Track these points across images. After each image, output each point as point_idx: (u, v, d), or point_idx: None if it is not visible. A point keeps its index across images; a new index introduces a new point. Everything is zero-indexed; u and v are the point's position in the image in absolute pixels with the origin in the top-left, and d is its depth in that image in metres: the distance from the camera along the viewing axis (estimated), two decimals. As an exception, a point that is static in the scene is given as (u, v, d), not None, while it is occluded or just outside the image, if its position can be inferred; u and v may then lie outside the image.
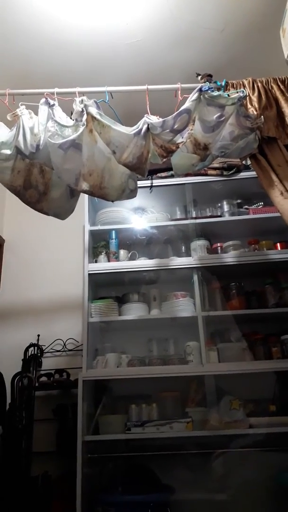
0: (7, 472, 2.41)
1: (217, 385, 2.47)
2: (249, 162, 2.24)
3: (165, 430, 2.28)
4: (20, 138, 1.71)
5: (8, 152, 1.75)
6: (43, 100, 1.78)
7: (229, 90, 1.91)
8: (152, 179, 2.57)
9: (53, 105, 1.77)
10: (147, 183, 2.51)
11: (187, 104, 1.72)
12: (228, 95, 1.77)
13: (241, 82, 1.96)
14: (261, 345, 2.52)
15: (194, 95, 1.73)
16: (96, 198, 1.98)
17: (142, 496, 2.18)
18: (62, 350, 2.88)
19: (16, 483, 2.39)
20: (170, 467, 2.35)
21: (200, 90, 1.73)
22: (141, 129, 1.71)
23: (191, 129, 1.74)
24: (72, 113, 1.78)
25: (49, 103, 1.76)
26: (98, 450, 2.34)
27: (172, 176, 2.74)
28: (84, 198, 2.73)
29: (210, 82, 1.85)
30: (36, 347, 2.86)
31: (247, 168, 2.69)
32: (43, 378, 2.71)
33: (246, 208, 2.80)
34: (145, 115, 1.75)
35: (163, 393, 2.50)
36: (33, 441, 2.57)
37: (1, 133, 1.80)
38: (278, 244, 2.68)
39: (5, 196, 3.30)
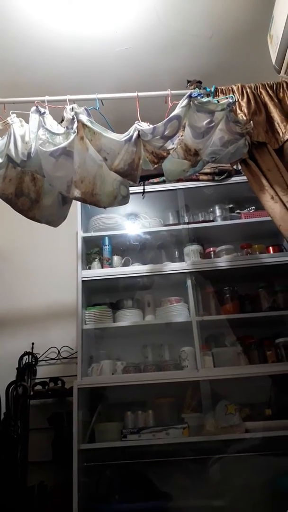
0: (3, 482, 2.38)
1: (212, 390, 2.47)
2: (239, 167, 2.26)
3: (162, 437, 2.27)
4: (11, 146, 1.71)
5: (-1, 160, 1.75)
6: (33, 108, 1.78)
7: (218, 96, 1.94)
8: (144, 185, 2.58)
9: (44, 113, 1.77)
10: (139, 189, 2.52)
11: (177, 111, 1.74)
12: (218, 101, 1.79)
13: (230, 88, 1.99)
14: (256, 349, 2.52)
15: (184, 102, 1.75)
16: (88, 205, 1.99)
17: (140, 504, 2.16)
18: (57, 358, 2.86)
19: (12, 493, 2.36)
20: (167, 474, 2.33)
21: (190, 96, 1.75)
22: (132, 136, 1.72)
23: (182, 135, 1.76)
24: (62, 121, 1.79)
25: (39, 111, 1.77)
26: (94, 458, 2.32)
27: (164, 182, 2.75)
28: (76, 205, 2.73)
29: (199, 88, 1.87)
30: (30, 356, 2.84)
31: (238, 173, 2.71)
32: (38, 387, 2.69)
33: (238, 213, 2.82)
34: (136, 122, 1.76)
35: (159, 399, 2.49)
36: (29, 450, 2.55)
37: (-8, 141, 1.81)
38: (271, 248, 2.69)
39: (-3, 204, 3.29)
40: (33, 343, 2.88)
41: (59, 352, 2.86)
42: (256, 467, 2.26)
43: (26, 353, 2.83)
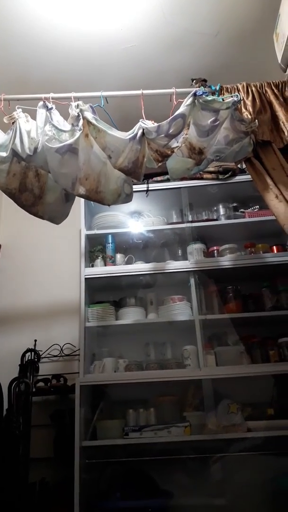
0: (4, 478, 2.39)
1: (214, 389, 2.47)
2: (244, 165, 2.25)
3: (163, 435, 2.27)
4: (17, 141, 1.71)
5: (4, 154, 1.75)
6: (41, 103, 1.78)
7: (223, 94, 1.93)
8: (148, 183, 2.58)
9: (51, 108, 1.77)
10: (143, 187, 2.52)
11: (181, 109, 1.73)
12: (223, 100, 1.78)
13: (235, 87, 1.98)
14: (259, 349, 2.52)
15: (188, 100, 1.74)
16: (92, 202, 1.99)
17: (141, 502, 2.17)
18: (59, 355, 2.86)
19: (13, 489, 2.37)
20: (168, 472, 2.33)
21: (195, 94, 1.74)
22: (136, 134, 1.72)
23: (186, 134, 1.75)
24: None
25: (47, 106, 1.76)
26: (96, 455, 2.32)
27: (168, 180, 2.74)
28: (80, 203, 2.73)
29: (204, 87, 1.86)
30: (33, 352, 2.85)
31: (242, 171, 2.69)
32: (40, 384, 2.70)
33: (242, 212, 2.82)
34: (140, 120, 1.76)
35: (161, 397, 2.49)
36: (31, 447, 2.56)
37: (-3, 136, 1.81)
38: (274, 247, 2.69)
39: (1, 200, 3.30)
40: (35, 340, 2.88)
41: (61, 349, 2.87)
42: (258, 466, 2.26)
43: (28, 350, 2.84)
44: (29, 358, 2.83)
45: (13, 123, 1.76)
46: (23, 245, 3.25)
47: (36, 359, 2.84)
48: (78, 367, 2.46)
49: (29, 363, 2.81)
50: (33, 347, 2.86)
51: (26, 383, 2.68)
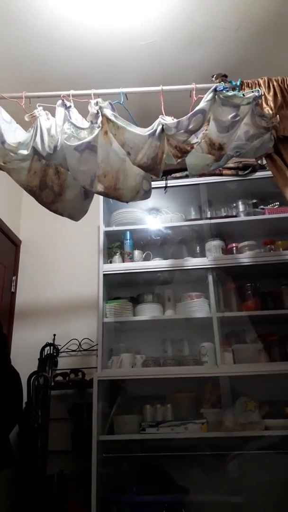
0: (24, 470, 2.44)
1: (232, 386, 2.46)
2: (264, 161, 2.22)
3: (180, 431, 2.28)
4: (38, 139, 1.73)
5: (25, 152, 1.77)
6: (59, 102, 1.79)
7: (244, 89, 1.90)
8: (166, 179, 2.57)
9: (70, 107, 1.78)
10: (161, 183, 2.51)
11: (202, 105, 1.72)
12: (243, 95, 1.77)
13: (256, 82, 1.95)
14: (277, 347, 2.50)
15: (209, 95, 1.73)
16: (110, 199, 2.00)
17: (157, 497, 2.18)
18: (78, 350, 2.90)
19: (32, 481, 2.41)
20: (184, 468, 2.34)
21: (215, 90, 1.73)
22: (155, 130, 1.71)
23: (206, 130, 1.74)
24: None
25: (65, 105, 1.78)
26: (113, 450, 2.34)
27: (186, 176, 2.73)
28: (99, 199, 2.74)
29: (225, 82, 1.84)
30: (52, 347, 2.89)
31: (262, 167, 2.67)
32: (59, 378, 2.74)
33: (262, 208, 2.78)
34: (160, 116, 1.75)
35: (178, 394, 2.49)
36: (49, 439, 2.60)
37: (19, 134, 1.83)
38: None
39: (22, 197, 3.34)
40: (54, 335, 2.92)
41: (80, 344, 2.90)
42: (274, 465, 2.25)
43: (47, 344, 2.88)
44: (48, 352, 2.87)
45: (34, 121, 1.78)
46: (43, 241, 3.29)
47: (55, 354, 2.88)
48: (96, 362, 2.47)
49: (48, 357, 2.85)
50: (52, 342, 2.90)
51: (45, 377, 2.72)
